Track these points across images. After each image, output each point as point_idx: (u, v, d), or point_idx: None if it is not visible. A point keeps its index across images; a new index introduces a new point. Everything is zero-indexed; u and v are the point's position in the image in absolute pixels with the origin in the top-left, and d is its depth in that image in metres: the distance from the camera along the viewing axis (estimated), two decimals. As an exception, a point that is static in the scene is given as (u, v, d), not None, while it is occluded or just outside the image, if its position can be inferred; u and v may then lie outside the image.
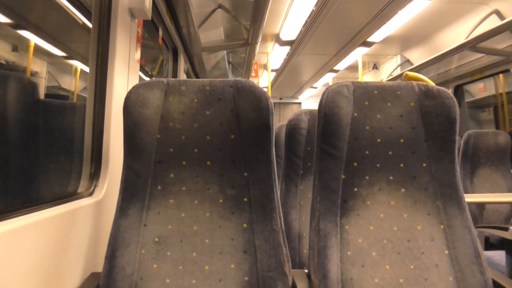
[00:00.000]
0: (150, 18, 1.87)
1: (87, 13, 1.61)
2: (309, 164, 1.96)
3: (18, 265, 0.91)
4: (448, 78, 4.89)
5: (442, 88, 1.35)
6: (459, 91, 5.07)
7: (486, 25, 3.57)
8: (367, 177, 1.31)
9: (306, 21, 4.61)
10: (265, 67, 7.13)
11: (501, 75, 4.95)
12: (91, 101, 1.52)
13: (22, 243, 0.92)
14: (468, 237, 1.25)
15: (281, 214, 1.27)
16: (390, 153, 1.32)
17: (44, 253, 1.03)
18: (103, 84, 1.53)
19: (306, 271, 1.31)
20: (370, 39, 5.20)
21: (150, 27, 2.68)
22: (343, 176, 1.30)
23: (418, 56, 5.37)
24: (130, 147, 1.26)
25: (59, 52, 1.76)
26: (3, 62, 1.35)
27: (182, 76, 3.74)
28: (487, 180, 3.18)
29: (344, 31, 4.99)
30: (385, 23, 4.48)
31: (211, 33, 3.87)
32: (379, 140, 1.32)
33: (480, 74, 4.46)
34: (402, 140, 1.32)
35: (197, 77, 5.01)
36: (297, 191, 1.95)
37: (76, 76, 1.81)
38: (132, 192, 1.24)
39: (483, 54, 4.12)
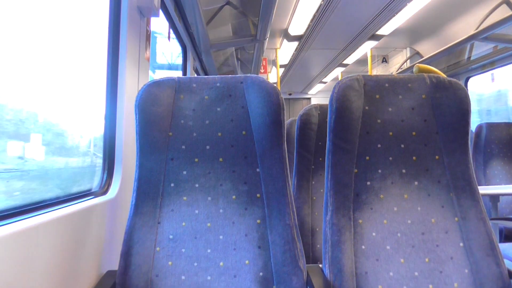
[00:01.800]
0: (158, 16, 1.87)
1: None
2: (320, 159, 1.96)
3: (34, 264, 0.92)
4: (459, 69, 4.84)
5: (454, 79, 1.34)
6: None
7: (496, 15, 3.54)
8: (379, 171, 1.31)
9: (314, 16, 4.59)
10: (274, 63, 7.12)
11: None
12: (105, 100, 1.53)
13: (38, 241, 0.93)
14: (483, 229, 1.24)
15: (294, 209, 1.27)
16: (402, 146, 1.32)
17: (60, 251, 1.04)
18: (114, 82, 1.54)
19: (320, 265, 1.32)
20: (378, 32, 5.17)
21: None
22: (355, 170, 1.30)
23: (428, 48, 5.33)
24: (143, 145, 1.27)
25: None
26: None
27: (191, 73, 3.75)
28: (500, 171, 3.15)
29: (352, 24, 4.96)
30: (393, 15, 4.45)
31: (219, 30, 3.87)
32: (391, 133, 1.32)
33: (491, 65, 4.41)
34: (414, 133, 1.32)
35: (206, 74, 5.02)
36: (309, 186, 1.95)
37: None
38: (146, 189, 1.25)
39: (494, 45, 4.08)
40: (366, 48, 6.03)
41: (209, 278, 1.20)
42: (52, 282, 1.00)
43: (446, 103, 1.31)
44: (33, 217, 0.95)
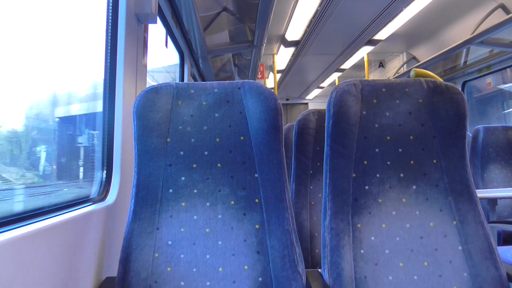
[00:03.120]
0: (156, 23, 1.88)
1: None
2: (318, 164, 1.96)
3: (33, 271, 0.91)
4: (456, 74, 4.86)
5: (451, 84, 1.35)
6: (467, 87, 5.04)
7: (492, 20, 3.56)
8: (377, 175, 1.31)
9: (311, 21, 4.61)
10: (271, 68, 7.13)
11: (508, 70, 4.91)
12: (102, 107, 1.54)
13: (36, 248, 0.93)
14: (481, 233, 1.25)
15: (293, 214, 1.27)
16: (400, 150, 1.32)
17: (59, 258, 1.04)
18: (112, 89, 1.54)
19: (319, 270, 1.32)
20: (375, 37, 5.19)
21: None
22: (353, 175, 1.30)
23: (424, 53, 5.35)
24: (141, 151, 1.27)
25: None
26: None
27: (189, 79, 3.76)
28: (498, 175, 3.15)
29: (349, 30, 4.98)
30: (390, 20, 4.47)
31: (216, 36, 3.88)
32: (388, 137, 1.32)
33: (487, 69, 4.43)
34: (411, 137, 1.32)
35: (203, 80, 5.03)
36: (307, 191, 1.95)
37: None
38: (144, 196, 1.25)
39: (491, 49, 4.10)
40: (363, 53, 6.05)
41: (208, 283, 1.20)
42: None
43: (443, 107, 1.32)
44: (31, 224, 0.95)
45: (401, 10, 4.13)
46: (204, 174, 1.29)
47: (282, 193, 1.26)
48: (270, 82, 8.28)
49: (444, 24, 4.52)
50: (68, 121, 1.59)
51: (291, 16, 4.52)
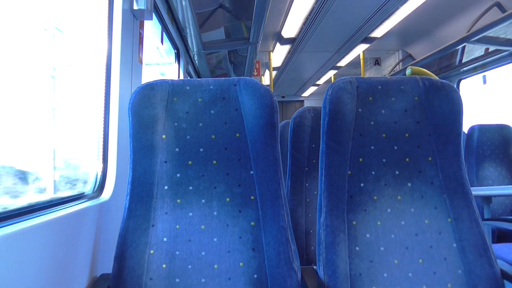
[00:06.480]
0: (152, 19, 1.87)
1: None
2: (314, 161, 1.96)
3: (26, 268, 0.91)
4: (451, 72, 4.87)
5: (446, 81, 1.35)
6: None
7: (487, 18, 3.56)
8: (373, 172, 1.31)
9: (307, 18, 4.60)
10: (267, 65, 7.11)
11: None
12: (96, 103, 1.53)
13: (31, 244, 0.92)
14: (476, 230, 1.25)
15: (288, 211, 1.27)
16: (395, 147, 1.32)
17: (53, 254, 1.03)
18: (107, 85, 1.54)
19: (314, 267, 1.32)
20: (371, 35, 5.18)
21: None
22: (349, 172, 1.30)
23: (420, 51, 5.35)
24: (136, 148, 1.26)
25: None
26: None
27: (184, 76, 3.75)
28: (492, 173, 3.16)
29: (345, 27, 4.97)
30: (386, 18, 4.47)
31: (212, 33, 3.87)
32: (384, 135, 1.32)
33: (483, 67, 4.44)
34: (407, 135, 1.33)
35: (199, 77, 5.02)
36: (302, 188, 1.95)
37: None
38: (140, 192, 1.25)
39: (486, 47, 4.10)
40: (359, 50, 6.05)
41: (203, 280, 1.20)
42: (45, 285, 0.99)
43: (438, 105, 1.32)
44: (26, 221, 0.94)
45: (397, 8, 4.13)
46: (200, 171, 1.29)
47: (278, 190, 1.26)
48: (266, 79, 8.26)
49: (440, 22, 4.52)
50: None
51: (287, 13, 4.51)
